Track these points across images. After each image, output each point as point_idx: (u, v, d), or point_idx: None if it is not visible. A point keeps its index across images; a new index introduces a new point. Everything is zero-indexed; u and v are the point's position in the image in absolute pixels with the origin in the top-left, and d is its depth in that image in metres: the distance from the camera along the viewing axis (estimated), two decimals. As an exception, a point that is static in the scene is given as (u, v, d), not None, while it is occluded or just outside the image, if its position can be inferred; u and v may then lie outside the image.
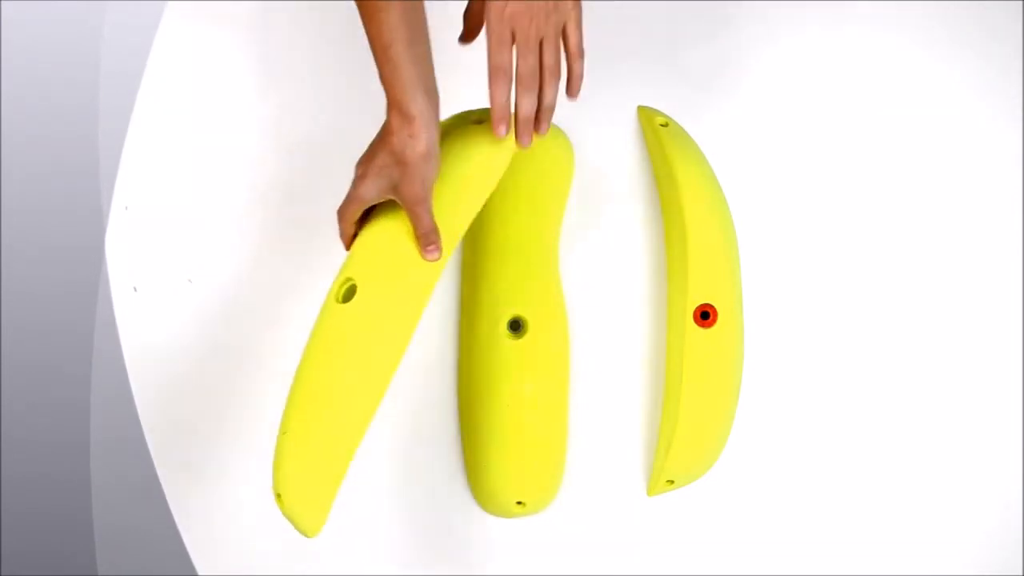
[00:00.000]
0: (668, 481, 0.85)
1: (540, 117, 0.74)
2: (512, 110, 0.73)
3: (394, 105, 0.70)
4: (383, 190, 0.72)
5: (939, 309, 0.90)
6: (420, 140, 0.70)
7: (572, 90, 0.76)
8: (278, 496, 0.72)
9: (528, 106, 0.73)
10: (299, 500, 0.72)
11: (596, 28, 0.91)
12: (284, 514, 0.72)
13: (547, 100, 0.73)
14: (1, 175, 0.90)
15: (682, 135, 0.90)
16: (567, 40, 0.73)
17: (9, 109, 0.90)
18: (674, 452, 0.82)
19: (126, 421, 0.88)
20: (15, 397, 0.89)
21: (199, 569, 0.86)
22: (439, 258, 0.73)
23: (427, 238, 0.72)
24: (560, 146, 0.90)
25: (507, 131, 0.73)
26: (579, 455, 0.87)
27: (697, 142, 0.90)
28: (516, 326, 0.85)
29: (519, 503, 0.84)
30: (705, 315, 0.82)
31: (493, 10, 0.70)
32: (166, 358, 0.89)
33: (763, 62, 0.94)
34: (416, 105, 0.70)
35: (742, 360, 0.84)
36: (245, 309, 0.89)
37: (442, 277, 0.90)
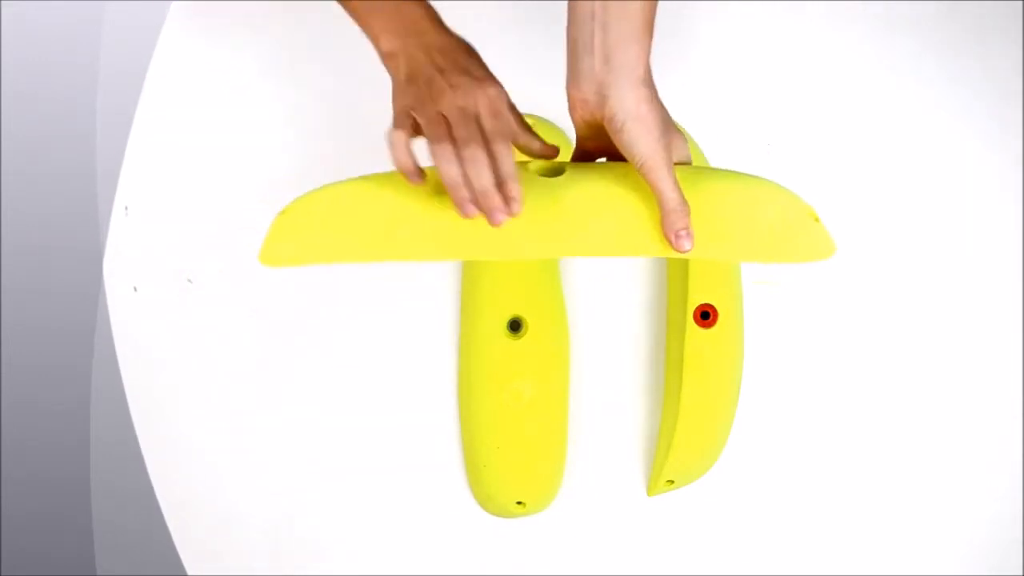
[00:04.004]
0: (668, 481, 0.85)
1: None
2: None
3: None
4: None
5: (939, 309, 0.90)
6: (396, 68, 0.64)
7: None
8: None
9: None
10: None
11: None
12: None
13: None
14: (0, 175, 0.90)
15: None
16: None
17: (9, 109, 0.90)
18: (674, 452, 0.82)
19: (126, 422, 0.88)
20: (15, 397, 0.89)
21: (189, 570, 0.86)
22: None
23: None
24: (558, 144, 0.90)
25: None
26: (579, 455, 0.87)
27: (696, 141, 0.90)
28: (516, 326, 0.85)
29: (519, 503, 0.84)
30: (705, 315, 0.82)
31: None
32: (164, 358, 0.89)
33: (762, 63, 0.94)
34: (384, 43, 0.64)
35: (742, 360, 0.84)
36: (245, 309, 0.89)
37: (442, 277, 0.90)
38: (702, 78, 0.94)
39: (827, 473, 0.87)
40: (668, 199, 0.60)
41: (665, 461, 0.83)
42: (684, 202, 0.61)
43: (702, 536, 0.87)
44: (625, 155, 0.62)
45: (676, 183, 0.61)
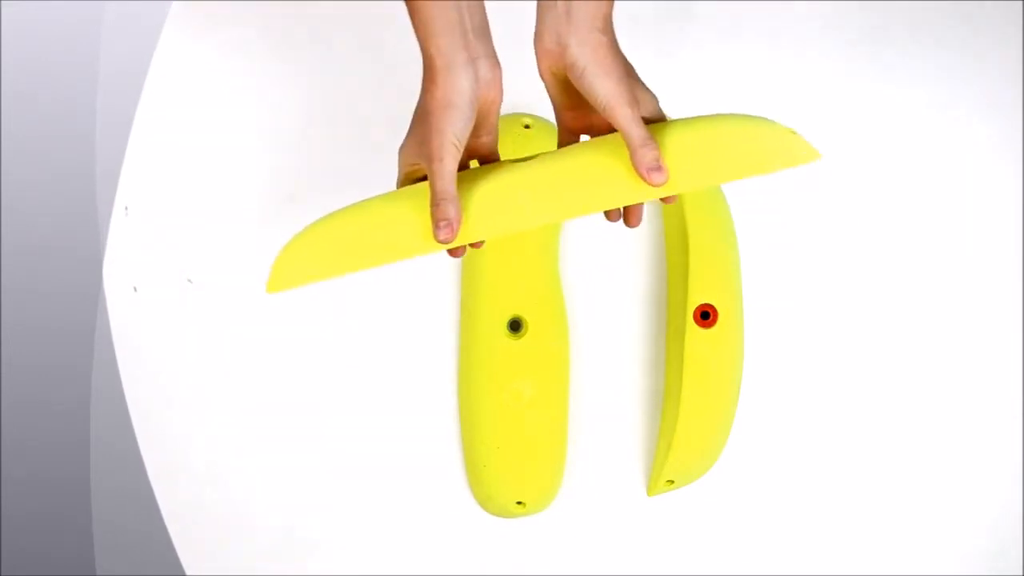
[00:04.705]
0: (668, 481, 0.85)
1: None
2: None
3: (422, 54, 0.63)
4: (412, 155, 0.64)
5: (939, 309, 0.90)
6: (437, 85, 0.62)
7: None
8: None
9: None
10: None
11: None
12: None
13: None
14: (1, 175, 0.90)
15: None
16: None
17: (9, 109, 0.90)
18: (674, 452, 0.82)
19: (126, 422, 0.87)
20: (15, 397, 0.89)
21: (188, 570, 0.86)
22: (451, 240, 0.61)
23: (438, 208, 0.61)
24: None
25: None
26: (579, 455, 0.87)
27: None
28: (516, 326, 0.85)
29: (519, 503, 0.84)
30: (705, 315, 0.82)
31: None
32: (164, 358, 0.89)
33: (763, 64, 0.94)
34: (434, 46, 0.61)
35: (742, 360, 0.84)
36: (245, 309, 0.89)
37: (442, 277, 0.90)
38: (697, 77, 0.94)
39: (827, 473, 0.87)
40: (634, 136, 0.61)
41: (665, 461, 0.83)
42: (651, 137, 0.61)
43: (702, 536, 0.87)
44: (590, 101, 0.63)
45: (640, 121, 0.62)
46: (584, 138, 0.69)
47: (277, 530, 0.87)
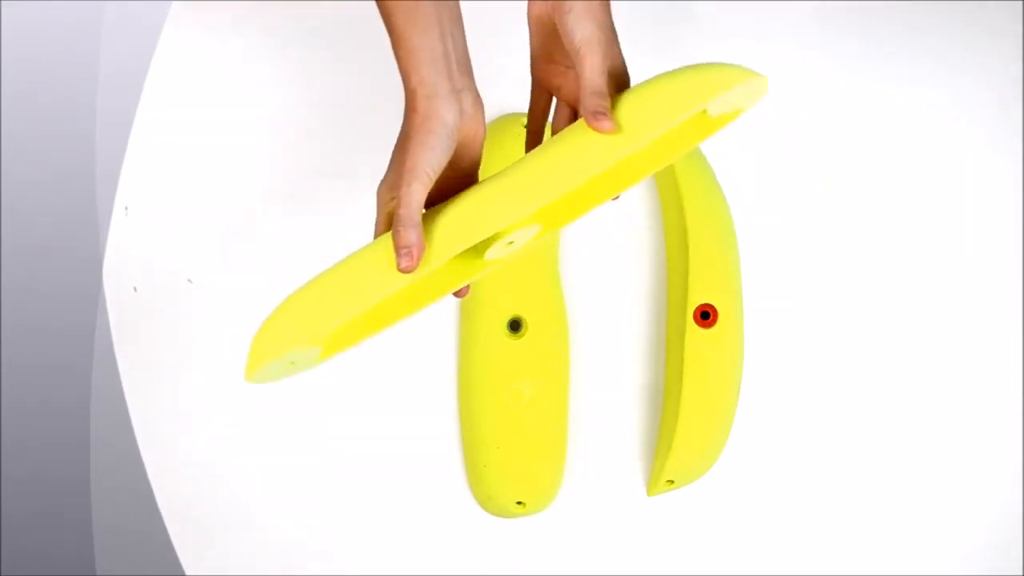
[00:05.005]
0: (668, 481, 0.85)
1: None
2: None
3: (404, 87, 0.61)
4: (389, 187, 0.61)
5: (939, 309, 0.90)
6: (418, 112, 0.60)
7: None
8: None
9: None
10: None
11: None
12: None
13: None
14: (1, 175, 0.90)
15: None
16: None
17: (9, 109, 0.90)
18: (674, 452, 0.82)
19: (126, 422, 0.87)
20: (15, 397, 0.89)
21: (187, 570, 0.86)
22: (412, 268, 0.57)
23: (398, 234, 0.57)
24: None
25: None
26: (579, 455, 0.87)
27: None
28: (516, 326, 0.85)
29: (519, 503, 0.84)
30: (705, 315, 0.82)
31: None
32: (164, 358, 0.89)
33: (763, 64, 0.94)
34: (417, 78, 0.60)
35: (742, 360, 0.84)
36: (245, 309, 0.89)
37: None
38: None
39: (827, 473, 0.87)
40: (591, 82, 0.60)
41: (665, 461, 0.83)
42: (605, 87, 0.60)
43: (702, 536, 0.87)
44: (565, 43, 0.61)
45: (605, 73, 0.60)
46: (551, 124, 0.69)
47: (277, 530, 0.87)
